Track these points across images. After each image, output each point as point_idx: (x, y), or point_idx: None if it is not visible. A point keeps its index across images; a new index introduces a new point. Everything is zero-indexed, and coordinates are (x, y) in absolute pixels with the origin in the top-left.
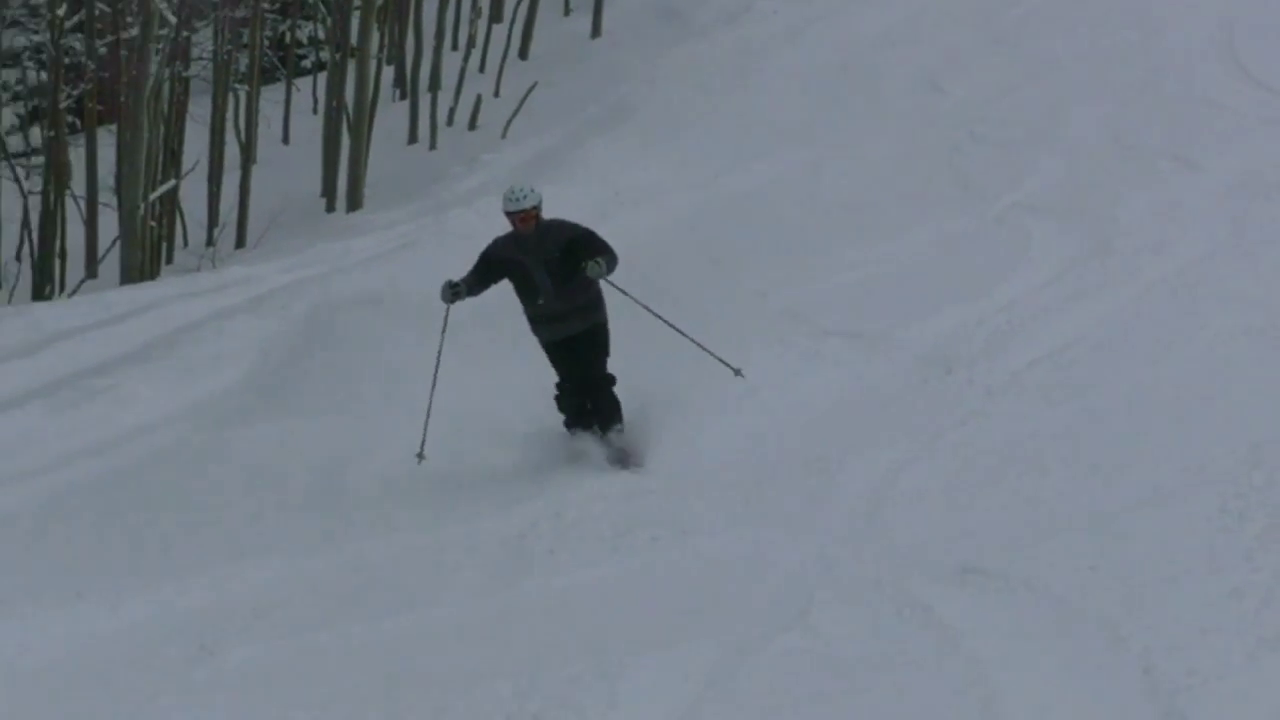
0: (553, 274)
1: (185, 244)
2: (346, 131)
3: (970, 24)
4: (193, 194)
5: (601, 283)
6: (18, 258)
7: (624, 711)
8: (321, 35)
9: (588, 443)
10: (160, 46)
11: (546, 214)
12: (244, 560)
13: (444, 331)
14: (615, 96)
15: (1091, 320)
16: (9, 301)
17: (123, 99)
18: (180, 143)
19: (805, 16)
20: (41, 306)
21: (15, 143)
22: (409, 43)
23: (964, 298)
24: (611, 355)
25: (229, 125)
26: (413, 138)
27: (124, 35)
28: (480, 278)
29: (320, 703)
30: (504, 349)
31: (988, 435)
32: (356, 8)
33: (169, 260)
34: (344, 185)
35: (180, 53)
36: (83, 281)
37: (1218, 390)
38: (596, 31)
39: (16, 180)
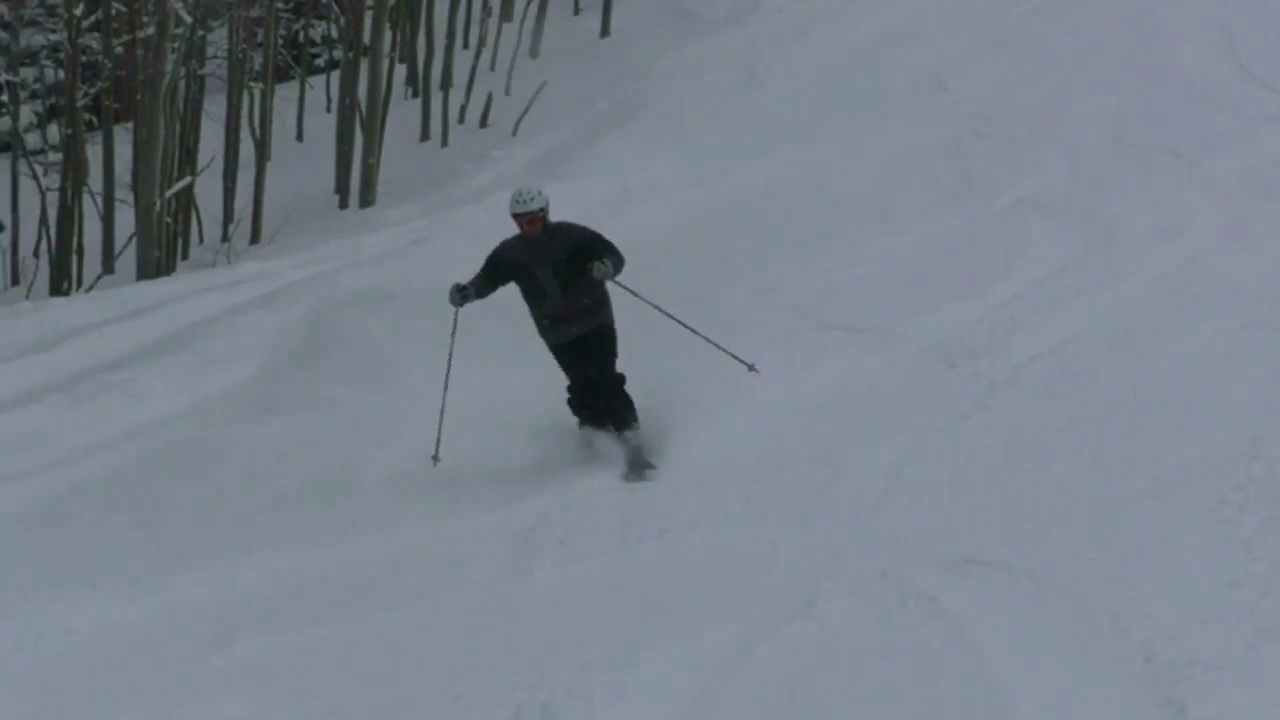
0: (559, 276)
1: (201, 240)
2: (359, 129)
3: (973, 23)
4: (208, 191)
5: (608, 284)
6: (36, 254)
7: (632, 701)
8: (335, 34)
9: (604, 442)
10: (176, 45)
11: (557, 211)
12: (258, 552)
13: (453, 335)
14: (624, 94)
15: (1093, 315)
16: (27, 297)
17: (139, 97)
18: (196, 140)
19: (811, 16)
20: (59, 302)
21: (33, 140)
22: (421, 42)
23: (967, 293)
24: (619, 353)
25: (244, 123)
26: (425, 135)
27: (140, 34)
28: (487, 280)
29: (333, 692)
30: (514, 344)
31: (991, 428)
32: (369, 7)
33: (185, 256)
34: (357, 182)
35: (196, 52)
36: (100, 277)
37: (1217, 384)
38: (606, 30)
39: (35, 177)
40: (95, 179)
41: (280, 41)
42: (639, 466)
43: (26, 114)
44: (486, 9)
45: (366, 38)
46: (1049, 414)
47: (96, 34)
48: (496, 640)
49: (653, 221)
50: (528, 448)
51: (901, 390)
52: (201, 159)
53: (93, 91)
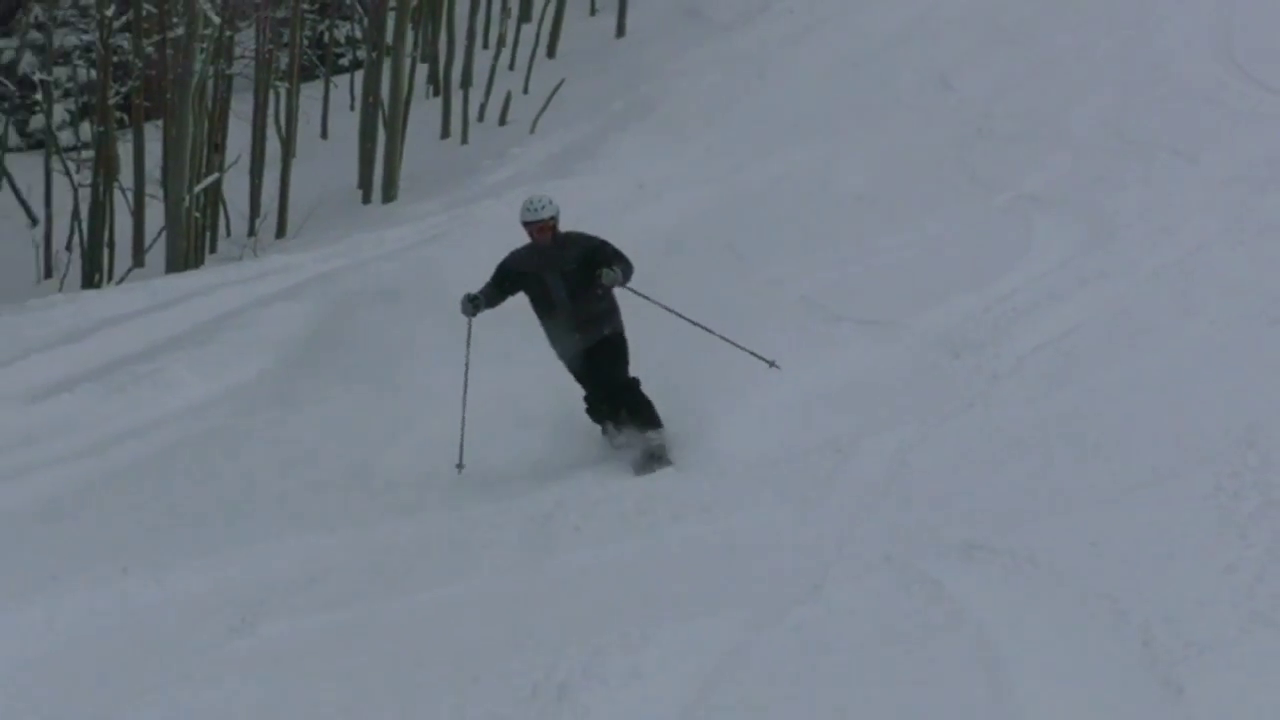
0: (569, 285)
1: (228, 234)
2: (382, 127)
3: (978, 23)
4: (235, 186)
5: (616, 292)
6: (68, 247)
7: (646, 682)
8: (358, 35)
9: (629, 438)
10: (204, 45)
11: (575, 206)
12: (281, 537)
13: (468, 344)
14: (639, 93)
15: (1093, 307)
16: (60, 289)
17: (168, 96)
18: (223, 137)
19: (820, 16)
20: (90, 294)
21: (66, 137)
22: (442, 42)
23: (971, 286)
24: (632, 344)
25: (270, 121)
26: (445, 133)
27: (170, 35)
28: (497, 289)
29: (355, 673)
30: (531, 338)
31: (994, 418)
32: (392, 8)
33: (212, 249)
34: (379, 178)
35: (224, 51)
36: (130, 270)
37: (1214, 374)
38: (621, 31)
39: (67, 173)
40: (126, 175)
41: (305, 42)
42: (652, 459)
43: (60, 112)
44: (506, 10)
45: (389, 38)
46: (1050, 403)
47: (127, 34)
48: (514, 623)
49: (666, 216)
50: (543, 438)
51: (907, 380)
52: (229, 155)
53: (124, 90)
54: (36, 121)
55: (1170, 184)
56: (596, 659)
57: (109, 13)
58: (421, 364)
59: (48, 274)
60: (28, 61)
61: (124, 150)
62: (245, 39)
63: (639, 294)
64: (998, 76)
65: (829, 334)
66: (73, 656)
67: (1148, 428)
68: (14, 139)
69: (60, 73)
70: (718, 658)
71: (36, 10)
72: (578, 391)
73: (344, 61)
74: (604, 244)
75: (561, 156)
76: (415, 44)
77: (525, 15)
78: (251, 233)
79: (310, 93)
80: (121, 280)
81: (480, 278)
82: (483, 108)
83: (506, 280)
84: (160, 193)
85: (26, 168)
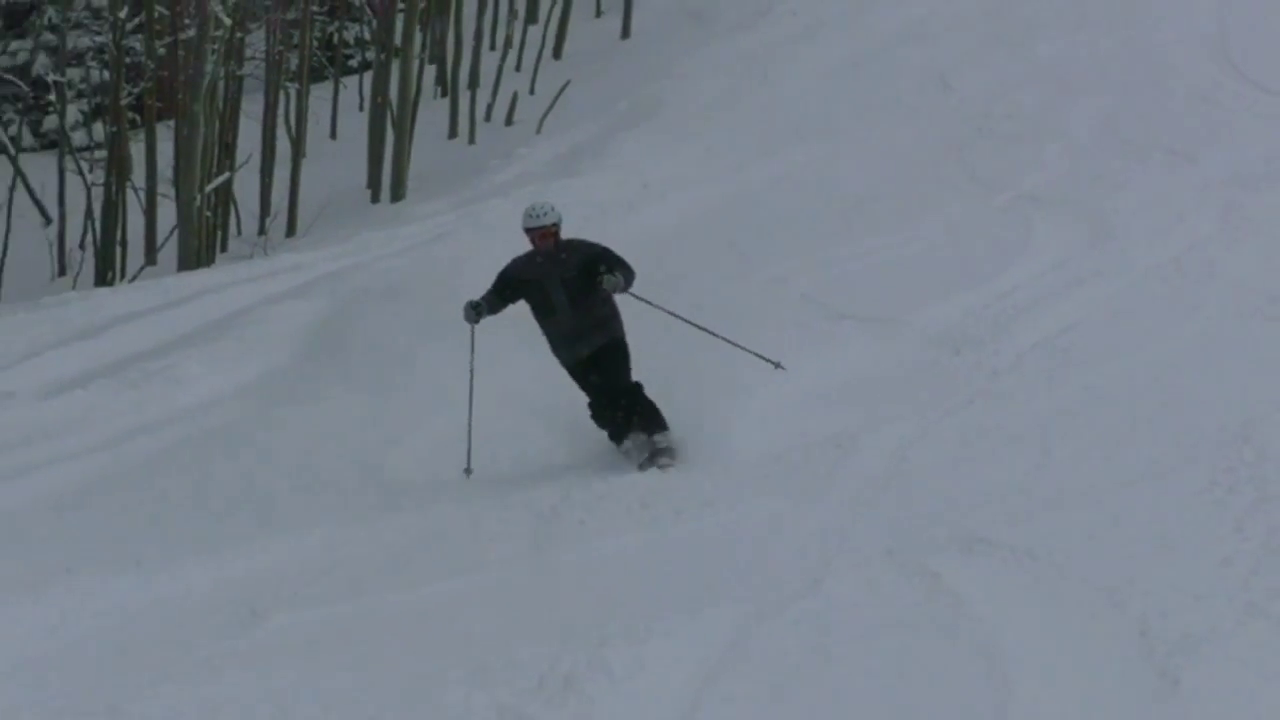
0: (570, 292)
1: (239, 233)
2: (390, 127)
3: (977, 25)
4: (246, 186)
5: (617, 298)
6: (81, 246)
7: (650, 672)
8: (367, 36)
9: (637, 442)
10: (216, 47)
11: (580, 205)
12: (291, 531)
13: (472, 351)
14: (644, 93)
15: (1091, 304)
16: (74, 287)
17: (180, 96)
18: (234, 137)
19: (821, 18)
20: (104, 292)
21: (79, 137)
22: (449, 43)
23: (971, 283)
24: (635, 342)
25: (280, 121)
26: (453, 133)
27: (182, 36)
28: (499, 297)
29: (363, 664)
30: (534, 338)
31: (993, 413)
32: (400, 10)
33: (224, 248)
34: (388, 177)
35: (235, 53)
36: (142, 268)
37: (1210, 370)
38: (626, 32)
39: (80, 173)
40: (138, 174)
41: (315, 43)
42: (657, 455)
43: (73, 112)
44: (513, 12)
45: (398, 40)
46: (1049, 399)
47: (140, 36)
48: (519, 615)
49: (670, 215)
50: (548, 436)
51: (908, 376)
52: (240, 155)
53: (136, 91)
54: (50, 122)
55: (1167, 183)
56: (601, 650)
57: (122, 15)
58: (430, 360)
59: (61, 272)
60: (42, 63)
61: (136, 150)
62: (256, 41)
63: (641, 299)
64: (997, 77)
65: (830, 331)
66: (85, 648)
67: (1145, 423)
68: (28, 139)
69: (74, 74)
70: (720, 649)
71: (50, 12)
72: (589, 418)
73: (353, 63)
74: (606, 251)
75: (567, 156)
76: (423, 45)
77: (532, 17)
78: (262, 231)
79: (320, 93)
80: (134, 278)
81: (488, 274)
82: (490, 108)
83: (507, 288)
84: (172, 192)
85: (41, 167)
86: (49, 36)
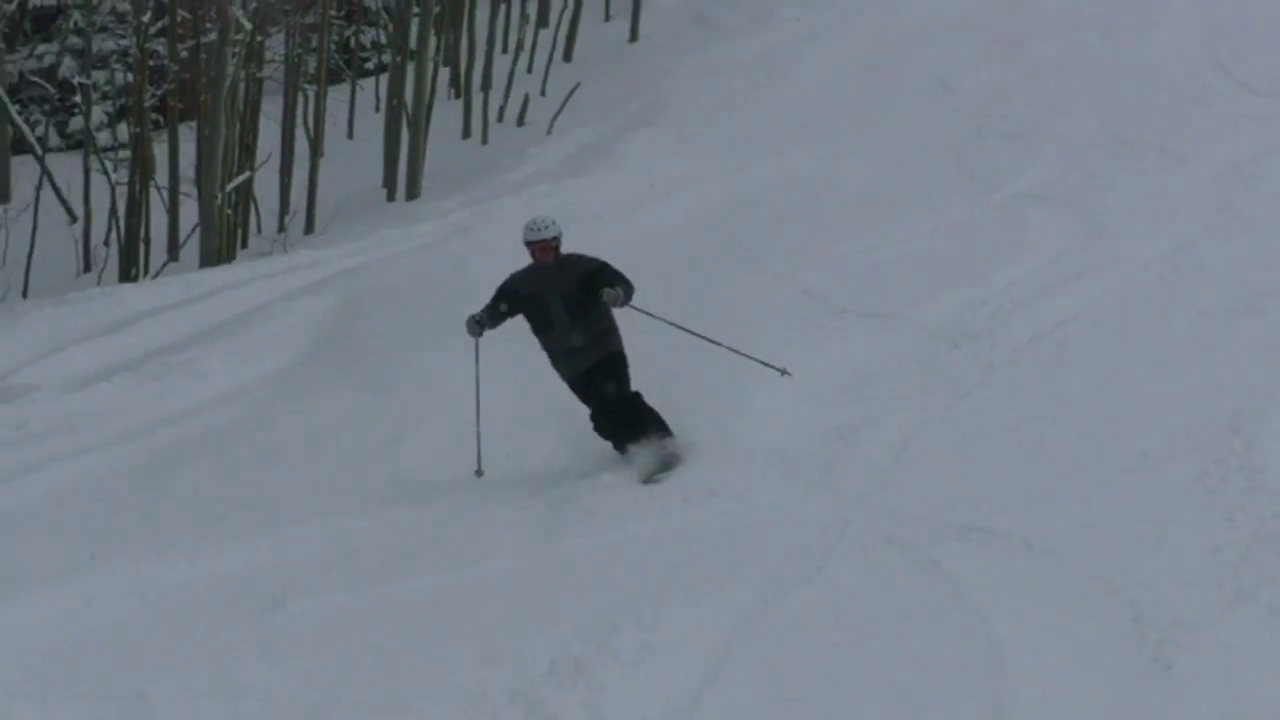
0: (569, 305)
1: (259, 230)
2: (406, 128)
3: (976, 28)
4: (266, 185)
5: (617, 311)
6: (106, 243)
7: (658, 658)
8: (383, 40)
9: (640, 449)
10: (236, 50)
11: (589, 203)
12: (310, 520)
13: (477, 362)
14: (651, 95)
15: (1085, 300)
16: (98, 283)
17: (202, 98)
18: (254, 138)
19: (824, 22)
20: (127, 287)
21: (104, 138)
22: (463, 46)
23: (969, 279)
24: (638, 341)
25: (299, 122)
26: (466, 133)
27: (203, 40)
28: (498, 311)
29: (380, 649)
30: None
31: (991, 405)
32: (416, 14)
33: (244, 245)
34: (403, 177)
35: (255, 56)
36: (165, 265)
37: (1201, 364)
38: (634, 36)
39: (105, 172)
40: (161, 174)
41: (333, 47)
42: (663, 465)
43: (98, 114)
44: (524, 16)
45: (413, 43)
46: (1045, 392)
47: (163, 39)
48: (530, 602)
49: (677, 213)
50: (556, 432)
51: (908, 370)
52: (259, 155)
53: (159, 93)
54: (76, 123)
55: (1159, 182)
56: (611, 636)
57: (145, 19)
58: (443, 353)
59: (86, 268)
60: (67, 65)
61: (159, 150)
62: (275, 44)
63: (643, 312)
64: (995, 80)
65: (833, 326)
66: (110, 634)
67: (1138, 415)
68: (54, 139)
69: (99, 76)
70: (726, 635)
71: (76, 17)
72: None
73: (370, 65)
74: (605, 265)
75: (577, 156)
76: (438, 49)
77: (543, 21)
78: (281, 229)
79: (337, 95)
80: (157, 274)
81: (499, 272)
82: (502, 109)
83: (506, 302)
84: (194, 191)
85: (66, 167)
86: (75, 40)
